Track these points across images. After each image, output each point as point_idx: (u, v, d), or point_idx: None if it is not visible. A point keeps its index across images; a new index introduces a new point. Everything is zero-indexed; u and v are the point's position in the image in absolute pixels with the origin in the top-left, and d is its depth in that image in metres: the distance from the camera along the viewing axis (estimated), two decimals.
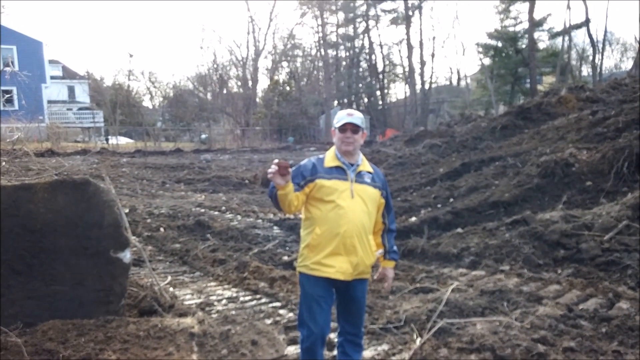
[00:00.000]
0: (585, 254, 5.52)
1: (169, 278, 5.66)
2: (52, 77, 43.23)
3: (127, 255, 3.65)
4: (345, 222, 2.75)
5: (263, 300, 4.95)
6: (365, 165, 2.96)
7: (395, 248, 3.10)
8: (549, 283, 4.97)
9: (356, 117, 2.86)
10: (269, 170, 2.61)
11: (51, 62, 43.68)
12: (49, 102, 39.94)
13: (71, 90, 46.74)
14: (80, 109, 43.52)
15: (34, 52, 36.15)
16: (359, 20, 47.90)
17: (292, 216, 8.34)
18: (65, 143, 27.81)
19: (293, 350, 3.60)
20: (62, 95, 44.19)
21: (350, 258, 2.78)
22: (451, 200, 9.05)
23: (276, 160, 2.64)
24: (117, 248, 3.61)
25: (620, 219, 5.82)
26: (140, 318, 3.77)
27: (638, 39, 32.89)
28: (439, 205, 8.87)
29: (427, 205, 9.06)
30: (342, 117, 2.87)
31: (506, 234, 6.32)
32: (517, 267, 5.59)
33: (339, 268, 2.77)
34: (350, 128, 2.83)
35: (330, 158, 2.91)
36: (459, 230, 7.05)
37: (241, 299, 5.02)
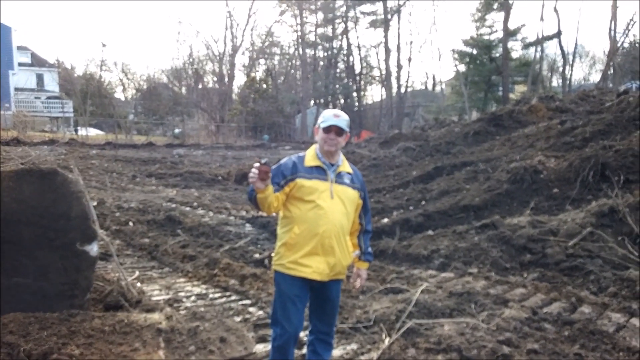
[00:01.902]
0: (550, 259, 5.67)
1: (137, 273, 5.55)
2: (20, 64, 41.93)
3: (94, 248, 3.56)
4: (324, 223, 2.76)
5: (233, 297, 4.90)
6: (346, 166, 2.97)
7: (370, 250, 3.12)
8: (515, 286, 5.09)
9: (342, 119, 2.85)
10: (250, 175, 2.56)
11: (20, 48, 42.36)
12: (16, 89, 38.71)
13: (40, 78, 45.42)
14: (49, 97, 42.31)
15: (2, 37, 34.96)
16: (338, 21, 48.11)
17: (264, 214, 8.29)
18: (32, 132, 27.01)
19: (262, 348, 3.58)
20: (30, 83, 42.89)
21: (328, 259, 2.79)
22: (423, 202, 9.16)
23: (257, 164, 2.57)
24: (84, 240, 3.52)
25: (584, 225, 6.00)
26: (106, 313, 3.69)
27: (606, 53, 34.03)
28: (411, 208, 8.97)
29: (400, 207, 9.15)
30: (328, 117, 2.85)
31: (475, 238, 6.43)
32: (485, 270, 5.70)
33: (315, 268, 2.77)
34: (334, 130, 2.82)
35: (310, 157, 2.90)
36: (430, 232, 7.14)
37: (211, 295, 4.96)
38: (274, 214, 2.92)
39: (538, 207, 7.41)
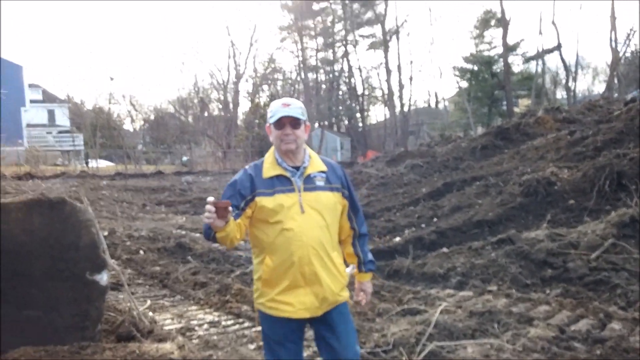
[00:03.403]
0: (573, 273, 5.48)
1: (149, 302, 5.45)
2: (32, 101, 42.62)
3: (104, 278, 3.48)
4: (297, 247, 2.22)
5: (246, 324, 4.77)
6: (315, 164, 2.38)
7: (370, 256, 2.58)
8: (539, 303, 4.90)
9: (294, 107, 2.30)
10: (205, 215, 2.05)
11: (31, 85, 43.14)
12: (29, 125, 39.26)
13: (51, 113, 46.09)
14: (60, 132, 42.86)
15: (14, 75, 35.67)
16: (338, 45, 48.67)
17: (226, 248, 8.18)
18: (45, 166, 27.21)
19: None
20: (42, 118, 43.55)
21: (314, 289, 2.27)
22: (435, 219, 9.02)
23: (211, 199, 2.05)
24: (94, 270, 3.44)
25: (605, 237, 5.83)
26: (118, 344, 3.58)
27: (609, 64, 34.02)
28: (423, 225, 8.83)
29: (411, 225, 9.01)
30: (276, 109, 2.31)
31: (492, 254, 6.27)
32: (504, 287, 5.53)
33: (300, 305, 2.26)
34: (288, 122, 2.28)
35: (269, 165, 2.35)
36: (445, 250, 6.99)
37: (223, 323, 4.84)
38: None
39: (555, 220, 7.25)
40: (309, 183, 2.31)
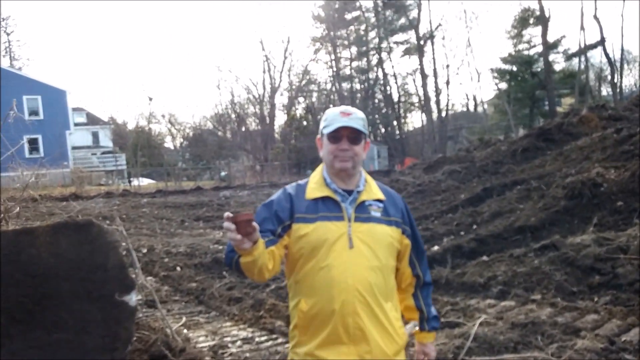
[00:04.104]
0: (622, 279, 5.16)
1: (184, 319, 5.48)
2: (77, 124, 44.51)
3: (132, 298, 3.47)
4: (340, 291, 1.76)
5: (279, 340, 4.71)
6: (372, 191, 1.94)
7: (435, 311, 2.07)
8: (586, 312, 4.62)
9: (355, 118, 1.86)
10: (229, 236, 1.62)
11: (75, 109, 45.08)
12: (74, 148, 41.01)
13: (95, 135, 48.02)
14: (103, 152, 44.57)
15: (58, 100, 37.37)
16: (372, 53, 48.49)
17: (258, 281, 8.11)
18: (89, 187, 28.29)
19: None
20: (86, 140, 45.45)
21: (360, 348, 1.78)
22: (474, 226, 8.73)
23: (228, 214, 1.61)
24: (123, 291, 3.44)
25: None
26: None
27: None
28: (462, 233, 8.56)
29: (450, 233, 8.75)
30: (332, 117, 1.88)
31: (535, 261, 5.99)
32: (549, 295, 5.25)
33: None
34: (346, 135, 1.85)
35: (315, 185, 1.92)
36: (485, 258, 6.73)
37: (257, 339, 4.79)
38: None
39: (602, 223, 6.86)
40: (363, 212, 1.86)
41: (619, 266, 5.35)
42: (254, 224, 1.61)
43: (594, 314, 4.55)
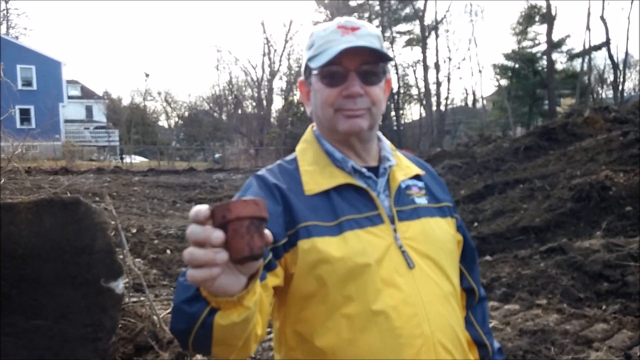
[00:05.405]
0: (632, 288, 4.96)
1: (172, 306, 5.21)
2: (70, 97, 43.80)
3: (119, 286, 3.21)
4: (416, 353, 1.01)
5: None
6: (403, 163, 1.22)
7: (497, 343, 1.33)
8: (595, 321, 4.42)
9: (365, 32, 1.14)
10: (198, 258, 0.75)
11: (70, 82, 44.31)
12: (66, 121, 40.36)
13: (89, 109, 47.33)
14: (96, 128, 43.97)
15: (53, 71, 36.68)
16: None
17: None
18: (80, 161, 27.83)
19: None
20: (79, 114, 44.76)
21: None
22: (476, 224, 8.50)
23: (203, 208, 0.75)
24: (109, 277, 3.17)
25: None
26: (133, 357, 3.33)
27: None
28: None
29: None
30: (327, 37, 1.10)
31: (541, 263, 5.78)
32: (555, 301, 5.04)
33: None
34: (355, 66, 1.09)
35: (314, 166, 1.13)
36: (488, 257, 6.51)
37: None
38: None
39: (610, 228, 6.65)
40: (404, 202, 1.13)
41: (628, 274, 5.15)
42: (266, 231, 0.76)
43: (603, 323, 4.35)
